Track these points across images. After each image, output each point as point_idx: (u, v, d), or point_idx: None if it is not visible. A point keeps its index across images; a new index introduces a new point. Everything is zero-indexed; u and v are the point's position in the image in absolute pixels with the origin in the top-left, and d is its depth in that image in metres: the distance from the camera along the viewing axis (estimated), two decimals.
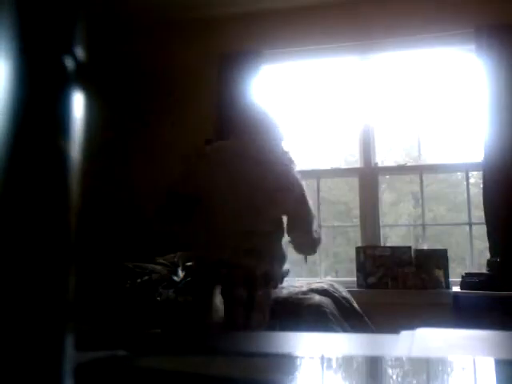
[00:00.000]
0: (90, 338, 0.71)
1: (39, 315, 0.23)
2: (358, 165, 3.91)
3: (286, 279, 2.53)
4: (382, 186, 4.16)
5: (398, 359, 0.60)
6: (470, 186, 3.77)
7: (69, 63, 0.24)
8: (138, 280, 2.92)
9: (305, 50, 3.86)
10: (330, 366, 0.62)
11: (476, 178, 4.14)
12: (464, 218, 3.79)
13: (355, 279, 3.60)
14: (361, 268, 3.59)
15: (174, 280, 2.98)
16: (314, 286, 3.10)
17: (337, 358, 0.63)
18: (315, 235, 2.30)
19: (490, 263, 3.19)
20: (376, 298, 3.44)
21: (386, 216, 4.79)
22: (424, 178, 3.84)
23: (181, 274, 3.05)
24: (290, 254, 3.21)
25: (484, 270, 3.23)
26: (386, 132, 4.51)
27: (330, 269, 5.23)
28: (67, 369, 0.23)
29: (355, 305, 3.13)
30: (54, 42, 0.23)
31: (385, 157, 5.46)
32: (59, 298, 0.23)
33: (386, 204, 5.00)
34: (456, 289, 3.15)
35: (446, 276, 3.40)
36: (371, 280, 3.54)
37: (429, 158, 4.34)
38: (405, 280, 3.47)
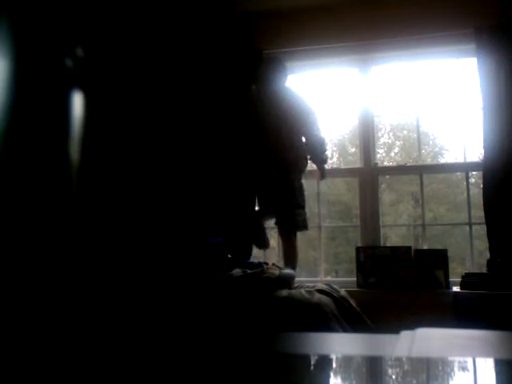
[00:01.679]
0: None
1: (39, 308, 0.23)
2: (357, 165, 3.91)
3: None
4: (382, 186, 4.15)
5: (398, 359, 0.60)
6: (470, 186, 3.76)
7: (69, 64, 0.24)
8: None
9: (305, 49, 3.86)
10: (330, 366, 0.62)
11: (476, 178, 4.13)
12: (464, 218, 3.78)
13: (355, 279, 3.60)
14: (361, 268, 3.59)
15: None
16: (314, 286, 3.10)
17: (337, 358, 0.63)
18: None
19: (489, 263, 3.18)
20: (376, 298, 3.43)
21: (386, 216, 4.78)
22: (424, 178, 3.83)
23: None
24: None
25: (484, 270, 3.23)
26: (386, 132, 4.50)
27: (330, 269, 5.22)
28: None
29: (354, 304, 3.13)
30: (54, 44, 0.24)
31: (385, 157, 5.46)
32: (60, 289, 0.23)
33: (386, 204, 4.99)
34: (456, 289, 3.15)
35: (446, 276, 3.40)
36: (371, 280, 3.54)
37: (429, 158, 4.33)
38: (405, 280, 3.47)
